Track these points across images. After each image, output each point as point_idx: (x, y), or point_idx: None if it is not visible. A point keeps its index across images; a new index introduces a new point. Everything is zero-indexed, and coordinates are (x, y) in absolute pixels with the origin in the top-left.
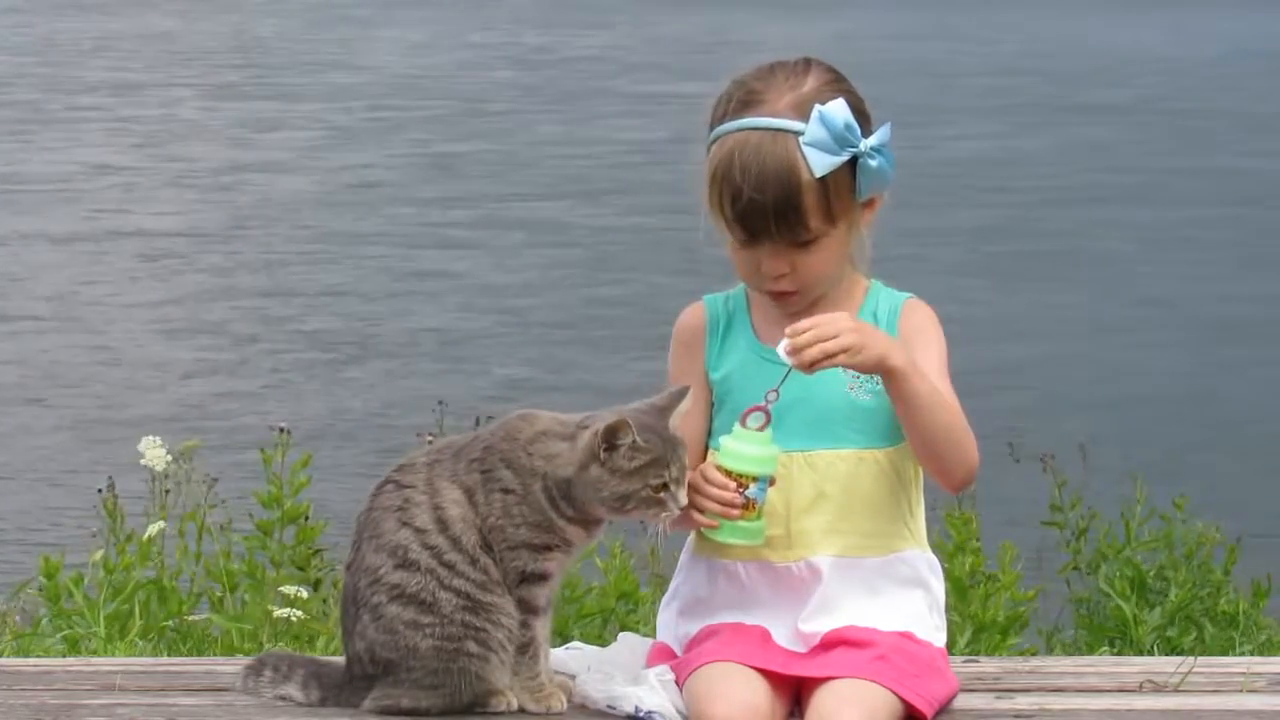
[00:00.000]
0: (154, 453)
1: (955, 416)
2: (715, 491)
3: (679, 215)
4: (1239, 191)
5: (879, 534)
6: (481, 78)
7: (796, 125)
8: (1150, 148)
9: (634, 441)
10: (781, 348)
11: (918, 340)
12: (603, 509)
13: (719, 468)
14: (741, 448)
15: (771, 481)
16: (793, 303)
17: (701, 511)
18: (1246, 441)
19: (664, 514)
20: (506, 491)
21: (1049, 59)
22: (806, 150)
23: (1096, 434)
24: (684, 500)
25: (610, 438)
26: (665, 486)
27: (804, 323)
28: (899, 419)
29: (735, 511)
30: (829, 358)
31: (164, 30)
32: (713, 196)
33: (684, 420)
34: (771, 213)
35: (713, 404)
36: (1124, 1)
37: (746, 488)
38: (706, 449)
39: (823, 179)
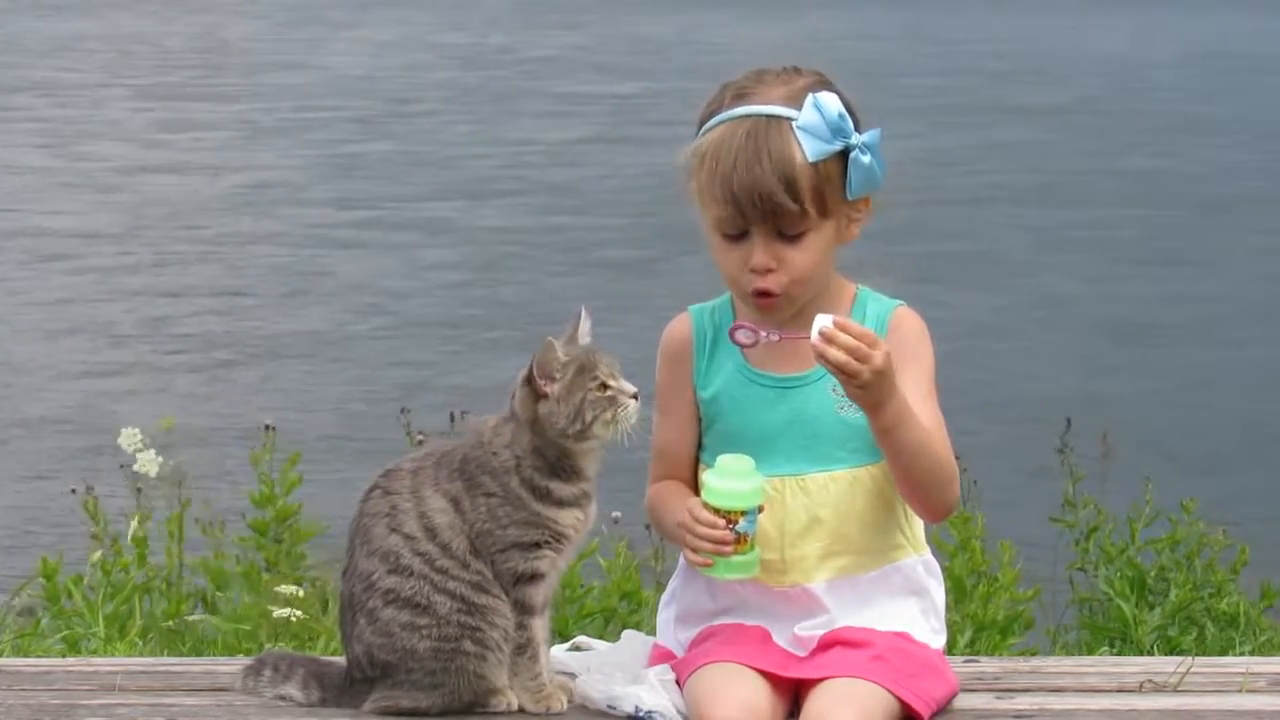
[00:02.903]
0: (144, 456)
1: (937, 460)
2: (705, 531)
3: (570, 216)
4: (1145, 192)
5: (872, 550)
6: (423, 78)
7: (790, 112)
8: (1069, 148)
9: (559, 357)
10: (818, 325)
11: (905, 354)
12: (571, 442)
13: (706, 506)
14: (726, 484)
15: (760, 509)
16: (777, 308)
17: (695, 552)
18: (1134, 444)
19: (621, 410)
20: (489, 495)
21: (1001, 59)
22: (800, 134)
23: (985, 434)
24: (631, 389)
25: (542, 367)
26: (604, 384)
27: (857, 328)
28: (881, 452)
29: (728, 549)
30: (838, 369)
31: (132, 31)
32: (703, 182)
33: (676, 436)
34: (765, 192)
35: (701, 419)
36: (1108, 2)
37: (736, 523)
38: (699, 464)
39: (815, 166)
